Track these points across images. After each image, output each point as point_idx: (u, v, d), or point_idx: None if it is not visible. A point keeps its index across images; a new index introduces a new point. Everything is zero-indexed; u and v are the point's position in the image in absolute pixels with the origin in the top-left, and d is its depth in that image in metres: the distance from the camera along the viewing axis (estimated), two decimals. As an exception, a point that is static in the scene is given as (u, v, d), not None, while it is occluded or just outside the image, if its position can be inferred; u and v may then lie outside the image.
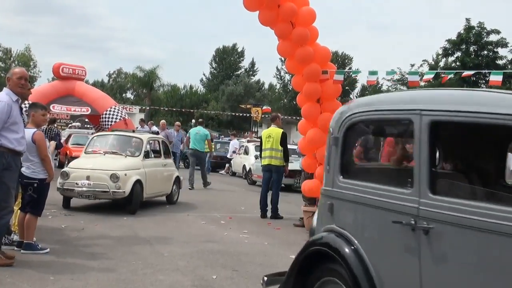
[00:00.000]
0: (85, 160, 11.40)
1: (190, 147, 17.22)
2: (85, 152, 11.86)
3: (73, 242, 7.79)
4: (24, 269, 6.11)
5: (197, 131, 17.21)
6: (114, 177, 10.51)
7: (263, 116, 47.96)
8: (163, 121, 24.23)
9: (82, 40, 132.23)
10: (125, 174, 10.68)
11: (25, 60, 68.59)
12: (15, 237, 7.19)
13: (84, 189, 10.51)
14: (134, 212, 10.79)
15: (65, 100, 20.92)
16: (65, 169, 11.03)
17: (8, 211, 6.22)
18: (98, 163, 11.08)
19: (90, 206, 11.35)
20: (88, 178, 10.54)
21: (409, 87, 43.93)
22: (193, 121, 67.91)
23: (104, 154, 11.53)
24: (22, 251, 6.81)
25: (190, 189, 15.72)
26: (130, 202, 10.82)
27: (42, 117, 7.16)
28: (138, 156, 11.52)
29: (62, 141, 16.90)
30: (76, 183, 10.50)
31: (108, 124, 20.36)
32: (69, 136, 22.37)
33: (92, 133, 23.89)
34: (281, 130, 11.69)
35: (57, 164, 18.44)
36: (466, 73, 9.36)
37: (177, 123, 22.46)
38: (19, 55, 71.53)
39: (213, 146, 21.47)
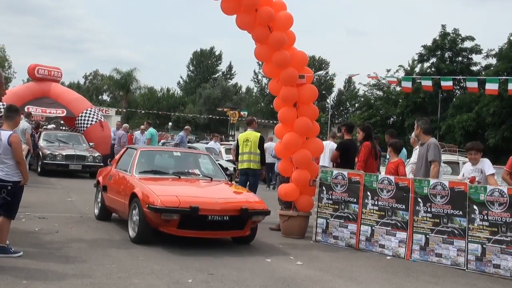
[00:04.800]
0: None
1: None
2: None
3: (47, 246, 7.70)
4: (-3, 273, 6.03)
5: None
6: None
7: (240, 119, 47.98)
8: (125, 124, 24.11)
9: (58, 41, 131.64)
10: None
11: (0, 61, 67.67)
12: None
13: None
14: None
15: (40, 101, 20.75)
16: None
17: None
18: None
19: (63, 209, 11.23)
20: None
21: (389, 85, 44.10)
22: (170, 124, 67.79)
23: None
24: (-6, 254, 6.71)
25: None
26: None
27: (19, 120, 7.41)
28: None
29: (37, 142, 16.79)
30: None
31: (84, 126, 20.24)
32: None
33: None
34: (259, 134, 11.70)
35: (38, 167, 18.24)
36: (445, 85, 9.48)
37: (144, 124, 21.63)
38: (-7, 56, 70.62)
39: None
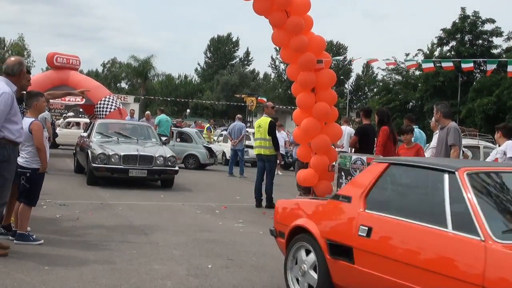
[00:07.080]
0: None
1: None
2: None
3: (68, 232, 7.78)
4: (19, 259, 6.09)
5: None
6: None
7: (258, 105, 47.90)
8: (147, 112, 24.27)
9: (76, 29, 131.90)
10: None
11: (19, 50, 68.17)
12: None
13: None
14: None
15: (59, 90, 20.86)
16: None
17: (1, 203, 6.17)
18: None
19: (84, 196, 11.33)
20: None
21: (408, 70, 43.67)
22: (188, 110, 67.95)
23: None
24: (14, 241, 6.76)
25: None
26: None
27: (44, 104, 7.29)
28: None
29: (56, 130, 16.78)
30: None
31: (102, 114, 20.34)
32: None
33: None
34: (269, 119, 11.73)
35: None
36: (466, 66, 9.39)
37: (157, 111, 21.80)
38: (13, 45, 71.17)
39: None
